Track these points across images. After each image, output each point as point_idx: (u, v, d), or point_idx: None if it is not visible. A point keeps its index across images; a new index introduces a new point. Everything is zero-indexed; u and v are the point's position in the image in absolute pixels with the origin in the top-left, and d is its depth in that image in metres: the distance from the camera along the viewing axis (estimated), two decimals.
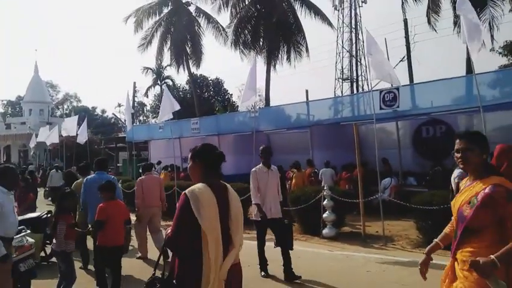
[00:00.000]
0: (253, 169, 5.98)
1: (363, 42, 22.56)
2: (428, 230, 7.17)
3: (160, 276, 2.63)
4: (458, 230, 2.50)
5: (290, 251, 5.70)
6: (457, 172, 5.84)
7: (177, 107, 11.62)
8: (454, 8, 14.90)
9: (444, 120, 11.85)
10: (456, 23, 14.76)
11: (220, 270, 2.38)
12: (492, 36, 15.59)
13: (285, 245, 5.69)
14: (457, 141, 2.55)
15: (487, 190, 2.35)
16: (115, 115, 52.65)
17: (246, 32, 22.36)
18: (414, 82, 15.80)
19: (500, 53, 23.58)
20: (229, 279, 2.44)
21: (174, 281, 2.43)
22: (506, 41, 22.90)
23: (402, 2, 16.49)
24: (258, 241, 5.88)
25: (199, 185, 2.50)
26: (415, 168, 12.35)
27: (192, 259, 2.38)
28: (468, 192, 2.49)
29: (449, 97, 10.17)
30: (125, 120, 17.68)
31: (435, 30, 16.01)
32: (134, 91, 33.95)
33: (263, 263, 5.87)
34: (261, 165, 5.96)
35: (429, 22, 16.02)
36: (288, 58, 22.46)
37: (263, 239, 5.88)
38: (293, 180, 11.60)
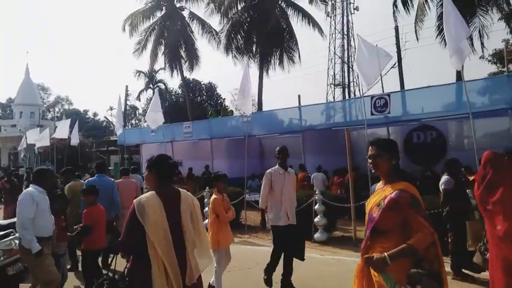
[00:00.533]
0: (269, 170, 5.57)
1: (355, 48, 22.74)
2: None
3: (111, 276, 2.88)
4: (367, 229, 2.66)
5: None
6: (443, 179, 5.92)
7: (161, 120, 11.86)
8: (438, 18, 15.15)
9: (435, 126, 12.00)
10: (440, 32, 15.01)
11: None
12: (482, 44, 15.83)
13: (295, 254, 5.32)
14: (369, 148, 2.74)
15: (393, 195, 2.53)
16: (106, 118, 52.42)
17: (239, 37, 22.44)
18: (405, 88, 15.96)
19: (489, 61, 23.95)
20: None
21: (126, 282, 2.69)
22: (495, 49, 23.27)
23: (394, 10, 16.69)
24: (274, 248, 5.44)
25: (147, 194, 2.76)
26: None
27: (141, 261, 2.60)
28: (379, 195, 2.67)
29: (440, 103, 10.31)
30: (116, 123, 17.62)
31: (417, 39, 16.26)
32: (127, 94, 33.79)
33: (270, 270, 5.35)
34: (277, 166, 5.52)
35: (416, 31, 16.27)
36: (281, 63, 22.57)
37: (279, 246, 5.38)
38: None
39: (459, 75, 9.59)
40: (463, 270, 5.66)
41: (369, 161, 2.73)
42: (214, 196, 5.34)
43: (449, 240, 5.79)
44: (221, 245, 5.06)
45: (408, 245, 2.37)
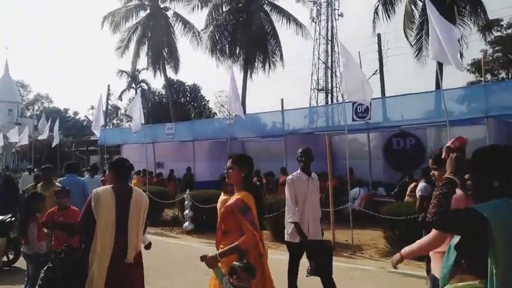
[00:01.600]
0: (290, 176, 4.83)
1: (338, 54, 23.05)
2: (396, 240, 7.37)
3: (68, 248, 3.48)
4: (217, 229, 3.15)
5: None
6: (421, 185, 6.06)
7: (140, 119, 11.88)
8: (419, 25, 15.50)
9: (414, 133, 12.23)
10: (419, 39, 15.37)
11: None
12: (461, 53, 16.25)
13: (326, 272, 4.56)
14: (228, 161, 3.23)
15: (230, 201, 3.09)
16: (87, 118, 51.55)
17: (223, 39, 22.47)
18: (386, 95, 16.25)
19: (468, 70, 24.62)
20: (120, 279, 3.11)
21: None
22: (473, 59, 23.94)
23: (374, 17, 17.01)
24: (290, 268, 4.64)
25: (104, 187, 3.39)
26: (385, 178, 12.67)
27: (90, 241, 3.17)
28: (230, 200, 3.19)
29: (419, 111, 10.52)
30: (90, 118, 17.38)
31: (411, 44, 16.56)
32: (108, 94, 33.42)
33: None
34: (299, 171, 4.74)
35: (406, 37, 16.60)
36: (264, 67, 22.69)
37: (296, 265, 4.64)
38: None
39: (438, 83, 9.81)
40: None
41: (225, 171, 3.23)
42: (222, 197, 5.33)
43: None
44: None
45: (235, 245, 2.88)
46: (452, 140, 2.06)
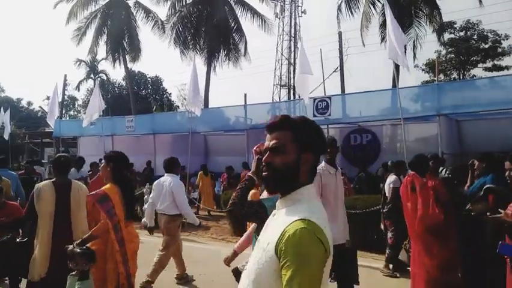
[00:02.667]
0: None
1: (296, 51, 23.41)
2: (351, 233, 7.60)
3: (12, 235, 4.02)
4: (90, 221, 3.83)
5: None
6: (392, 178, 6.29)
7: (98, 111, 11.58)
8: (381, 25, 16.02)
9: (371, 130, 12.65)
10: (383, 38, 15.86)
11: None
12: (415, 54, 17.04)
13: (349, 278, 4.04)
14: None
15: (93, 192, 3.49)
16: (42, 108, 49.24)
17: (187, 31, 22.16)
18: (346, 92, 16.67)
19: (423, 70, 25.70)
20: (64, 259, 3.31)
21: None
22: (428, 59, 25.01)
23: (338, 13, 17.36)
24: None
25: (45, 182, 3.89)
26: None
27: (35, 229, 3.66)
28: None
29: (376, 108, 10.90)
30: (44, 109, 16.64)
31: (363, 44, 17.05)
32: (65, 84, 32.03)
33: None
34: (324, 164, 4.09)
35: (362, 36, 17.05)
36: (228, 60, 22.61)
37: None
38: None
39: (395, 82, 10.20)
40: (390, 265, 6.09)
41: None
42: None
43: (390, 235, 6.16)
44: None
45: (91, 233, 3.33)
46: (258, 144, 2.50)
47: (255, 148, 2.51)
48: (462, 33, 24.92)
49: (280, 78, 28.60)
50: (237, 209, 2.21)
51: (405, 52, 16.71)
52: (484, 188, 4.33)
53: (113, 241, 3.26)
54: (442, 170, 6.91)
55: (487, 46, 24.36)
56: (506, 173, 3.47)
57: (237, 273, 2.76)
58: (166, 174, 5.80)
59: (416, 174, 4.76)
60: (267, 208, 2.18)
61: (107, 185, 3.44)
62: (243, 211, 2.23)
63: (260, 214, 2.18)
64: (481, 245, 4.37)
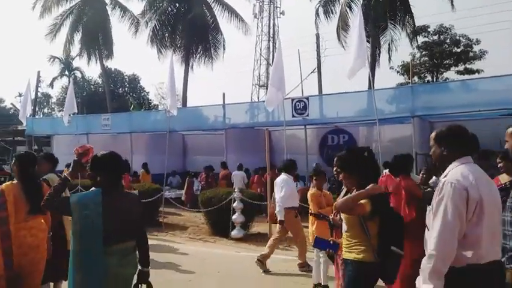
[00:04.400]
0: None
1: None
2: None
3: None
4: None
5: None
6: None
7: (74, 109, 11.44)
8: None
9: (348, 130, 12.87)
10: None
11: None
12: (390, 56, 17.44)
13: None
14: None
15: None
16: (14, 105, 47.70)
17: (164, 29, 21.96)
18: (323, 93, 16.88)
19: (398, 72, 26.29)
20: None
21: None
22: (403, 61, 25.61)
23: (316, 17, 17.61)
24: None
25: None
26: None
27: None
28: None
29: (353, 109, 11.09)
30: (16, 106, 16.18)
31: (344, 47, 17.31)
32: (38, 81, 31.15)
33: None
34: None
35: (339, 38, 17.30)
36: (206, 59, 22.53)
37: None
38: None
39: (370, 83, 10.41)
40: None
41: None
42: (312, 191, 5.50)
43: None
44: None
45: None
46: (79, 146, 3.06)
47: (76, 148, 2.99)
48: (435, 37, 25.61)
49: (259, 78, 28.76)
50: (49, 203, 2.81)
51: (379, 54, 17.14)
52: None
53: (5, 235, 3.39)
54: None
55: (459, 50, 25.13)
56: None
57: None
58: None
59: (390, 175, 4.89)
60: (71, 204, 2.71)
61: (8, 182, 3.72)
62: (53, 205, 2.85)
63: (63, 208, 2.86)
64: None
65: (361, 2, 16.02)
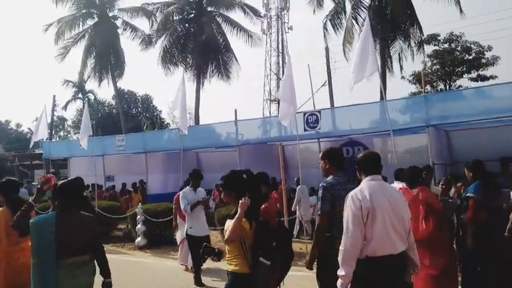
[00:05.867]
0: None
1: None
2: None
3: None
4: None
5: None
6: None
7: (90, 132, 11.65)
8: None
9: (362, 142, 12.74)
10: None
11: None
12: (401, 66, 17.40)
13: None
14: None
15: None
16: (31, 130, 48.78)
17: (174, 49, 22.35)
18: (335, 106, 16.81)
19: (410, 81, 26.13)
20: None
21: None
22: (414, 71, 25.47)
23: (324, 31, 17.72)
24: None
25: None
26: None
27: None
28: None
29: (366, 121, 10.98)
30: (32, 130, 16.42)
31: (347, 60, 17.33)
32: (54, 105, 31.84)
33: None
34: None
35: (344, 52, 17.38)
36: (217, 77, 22.82)
37: None
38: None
39: (382, 94, 10.34)
40: None
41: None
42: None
43: None
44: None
45: None
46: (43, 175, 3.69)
47: (40, 177, 3.58)
48: (446, 45, 25.46)
49: (270, 93, 28.87)
50: (16, 224, 3.44)
51: (391, 64, 17.05)
52: (465, 196, 4.53)
53: None
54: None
55: (471, 57, 24.89)
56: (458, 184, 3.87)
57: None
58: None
59: (407, 188, 4.82)
60: (30, 224, 3.24)
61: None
62: (19, 225, 3.46)
63: (24, 229, 3.38)
64: (480, 250, 4.48)
65: (367, 14, 16.06)
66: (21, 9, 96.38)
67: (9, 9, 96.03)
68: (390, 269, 2.93)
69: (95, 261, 3.37)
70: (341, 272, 2.93)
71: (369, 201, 2.95)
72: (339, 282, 2.94)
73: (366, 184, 3.11)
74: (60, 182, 3.52)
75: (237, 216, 3.25)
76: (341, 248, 2.96)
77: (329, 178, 3.94)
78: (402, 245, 3.04)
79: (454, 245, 4.85)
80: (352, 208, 2.97)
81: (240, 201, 3.27)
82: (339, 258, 2.96)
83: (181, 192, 6.98)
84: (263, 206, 4.03)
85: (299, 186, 9.56)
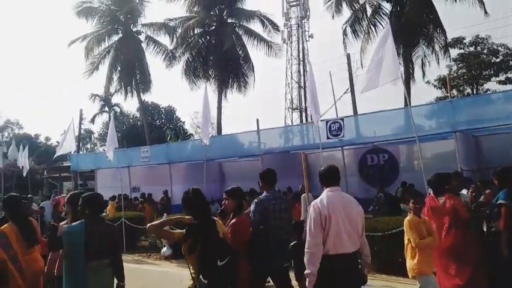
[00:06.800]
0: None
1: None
2: (374, 256, 7.42)
3: None
4: None
5: None
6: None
7: (116, 144, 11.90)
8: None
9: (387, 149, 12.53)
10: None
11: None
12: (424, 71, 17.09)
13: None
14: None
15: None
16: (59, 143, 50.28)
17: (196, 61, 22.68)
18: (358, 113, 16.61)
19: (435, 86, 25.60)
20: None
21: None
22: (439, 75, 24.95)
23: (343, 37, 17.61)
24: None
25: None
26: (361, 194, 12.83)
27: None
28: None
29: (390, 127, 10.80)
30: (59, 142, 16.74)
31: (362, 66, 17.12)
32: (81, 118, 32.76)
33: None
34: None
35: (361, 62, 17.22)
36: (238, 87, 22.98)
37: None
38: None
39: (406, 100, 10.16)
40: None
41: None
42: (409, 217, 4.75)
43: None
44: (422, 271, 4.48)
45: None
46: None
47: (50, 202, 4.21)
48: (472, 48, 24.88)
49: (292, 101, 28.81)
50: (52, 246, 4.17)
51: (412, 70, 16.73)
52: (496, 203, 4.37)
53: (12, 270, 4.09)
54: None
55: (498, 60, 24.23)
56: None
57: None
58: None
59: (433, 197, 4.70)
60: (62, 234, 3.77)
61: (6, 225, 4.29)
62: (56, 246, 4.03)
63: (60, 246, 3.85)
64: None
65: (388, 20, 15.89)
66: (49, 26, 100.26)
67: (38, 25, 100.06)
68: (344, 265, 3.48)
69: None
70: (307, 271, 3.43)
71: (326, 209, 3.49)
72: (307, 280, 3.43)
73: (325, 194, 3.65)
74: (86, 194, 3.96)
75: (173, 217, 3.99)
76: (306, 249, 3.47)
77: (262, 195, 4.79)
78: (354, 246, 3.56)
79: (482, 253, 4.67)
80: (313, 215, 3.53)
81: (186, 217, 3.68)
82: (305, 259, 3.47)
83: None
84: (233, 220, 4.20)
85: (303, 195, 9.43)
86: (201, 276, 3.40)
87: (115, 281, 3.93)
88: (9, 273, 4.10)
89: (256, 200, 4.72)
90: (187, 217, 3.64)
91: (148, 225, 3.75)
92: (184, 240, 3.54)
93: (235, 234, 4.01)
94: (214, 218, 3.83)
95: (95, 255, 3.63)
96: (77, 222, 3.73)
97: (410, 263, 4.61)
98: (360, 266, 3.65)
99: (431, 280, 4.43)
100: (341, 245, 3.47)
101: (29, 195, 14.64)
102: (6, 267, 4.09)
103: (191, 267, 3.55)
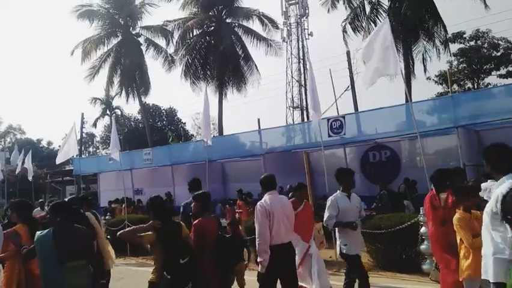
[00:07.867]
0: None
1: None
2: (378, 254, 7.43)
3: None
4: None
5: None
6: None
7: (118, 147, 11.84)
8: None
9: (389, 146, 12.49)
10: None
11: None
12: (425, 67, 17.00)
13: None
14: None
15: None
16: (60, 148, 50.34)
17: (196, 62, 22.67)
18: (359, 110, 16.59)
19: (436, 82, 25.52)
20: None
21: None
22: (440, 71, 24.87)
23: (343, 35, 17.56)
24: None
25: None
26: (363, 192, 12.79)
27: None
28: None
29: (392, 124, 10.75)
30: (60, 147, 16.65)
31: (364, 63, 17.02)
32: (82, 122, 32.87)
33: None
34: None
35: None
36: (239, 87, 22.96)
37: None
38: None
39: (407, 96, 10.12)
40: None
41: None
42: (458, 215, 4.20)
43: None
44: (470, 276, 4.01)
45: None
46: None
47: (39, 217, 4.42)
48: (472, 43, 24.79)
49: (292, 100, 28.77)
50: (28, 257, 4.14)
51: (412, 66, 16.66)
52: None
53: (21, 268, 4.33)
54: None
55: (499, 54, 24.14)
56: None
57: None
58: None
59: (434, 192, 4.68)
60: (34, 242, 3.84)
61: (18, 225, 4.51)
62: (31, 256, 4.09)
63: (33, 255, 3.96)
64: None
65: (386, 17, 15.84)
66: (50, 31, 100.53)
67: (38, 30, 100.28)
68: (283, 252, 4.38)
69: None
70: (260, 259, 4.27)
71: (270, 207, 4.40)
72: (260, 266, 4.25)
73: (268, 197, 4.56)
74: (54, 203, 4.26)
75: (139, 226, 4.21)
76: (257, 241, 4.31)
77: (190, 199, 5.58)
78: (289, 237, 4.55)
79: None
80: (261, 211, 4.39)
81: (150, 223, 4.11)
82: (257, 249, 4.30)
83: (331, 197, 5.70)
84: (196, 221, 4.54)
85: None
86: (165, 273, 3.92)
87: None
88: (17, 269, 4.33)
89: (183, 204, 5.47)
90: (154, 222, 4.09)
91: (118, 233, 4.13)
92: (155, 242, 4.03)
93: (197, 234, 4.44)
94: (179, 221, 4.57)
95: (70, 257, 3.80)
96: (46, 230, 3.92)
97: (462, 265, 4.16)
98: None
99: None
100: (279, 236, 4.37)
101: (40, 200, 14.81)
102: (14, 264, 4.34)
103: (155, 263, 4.10)
